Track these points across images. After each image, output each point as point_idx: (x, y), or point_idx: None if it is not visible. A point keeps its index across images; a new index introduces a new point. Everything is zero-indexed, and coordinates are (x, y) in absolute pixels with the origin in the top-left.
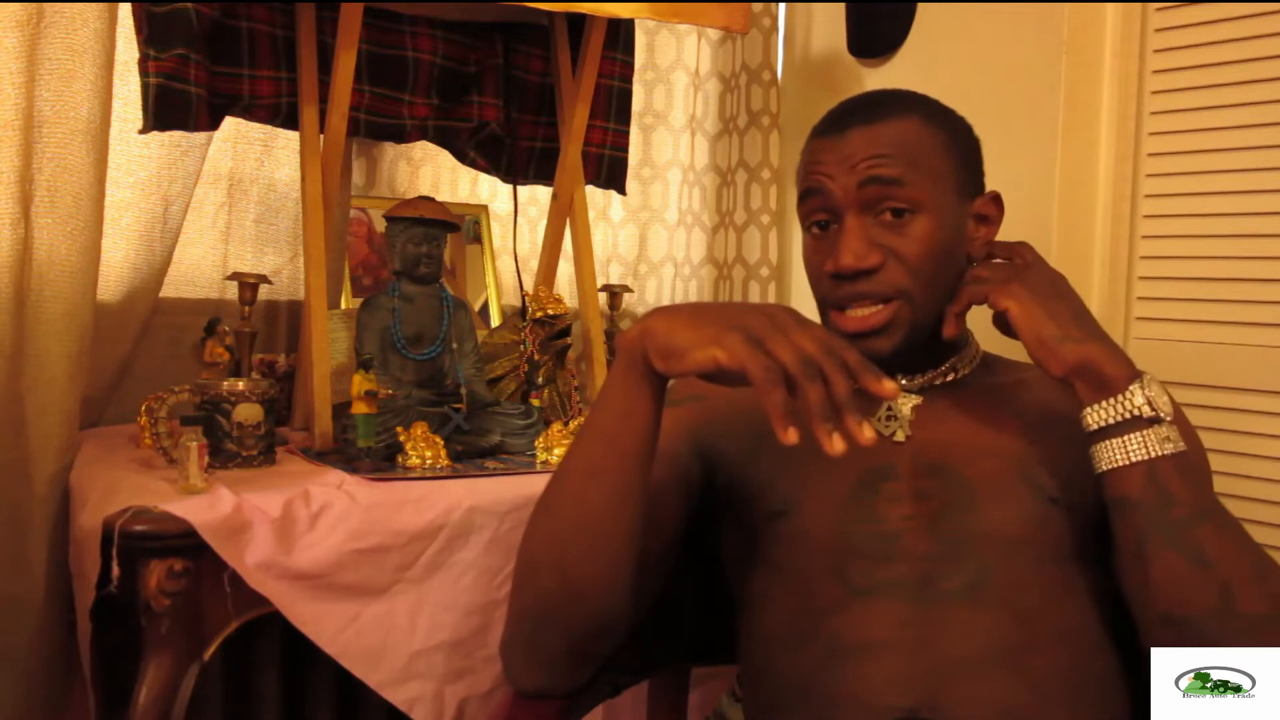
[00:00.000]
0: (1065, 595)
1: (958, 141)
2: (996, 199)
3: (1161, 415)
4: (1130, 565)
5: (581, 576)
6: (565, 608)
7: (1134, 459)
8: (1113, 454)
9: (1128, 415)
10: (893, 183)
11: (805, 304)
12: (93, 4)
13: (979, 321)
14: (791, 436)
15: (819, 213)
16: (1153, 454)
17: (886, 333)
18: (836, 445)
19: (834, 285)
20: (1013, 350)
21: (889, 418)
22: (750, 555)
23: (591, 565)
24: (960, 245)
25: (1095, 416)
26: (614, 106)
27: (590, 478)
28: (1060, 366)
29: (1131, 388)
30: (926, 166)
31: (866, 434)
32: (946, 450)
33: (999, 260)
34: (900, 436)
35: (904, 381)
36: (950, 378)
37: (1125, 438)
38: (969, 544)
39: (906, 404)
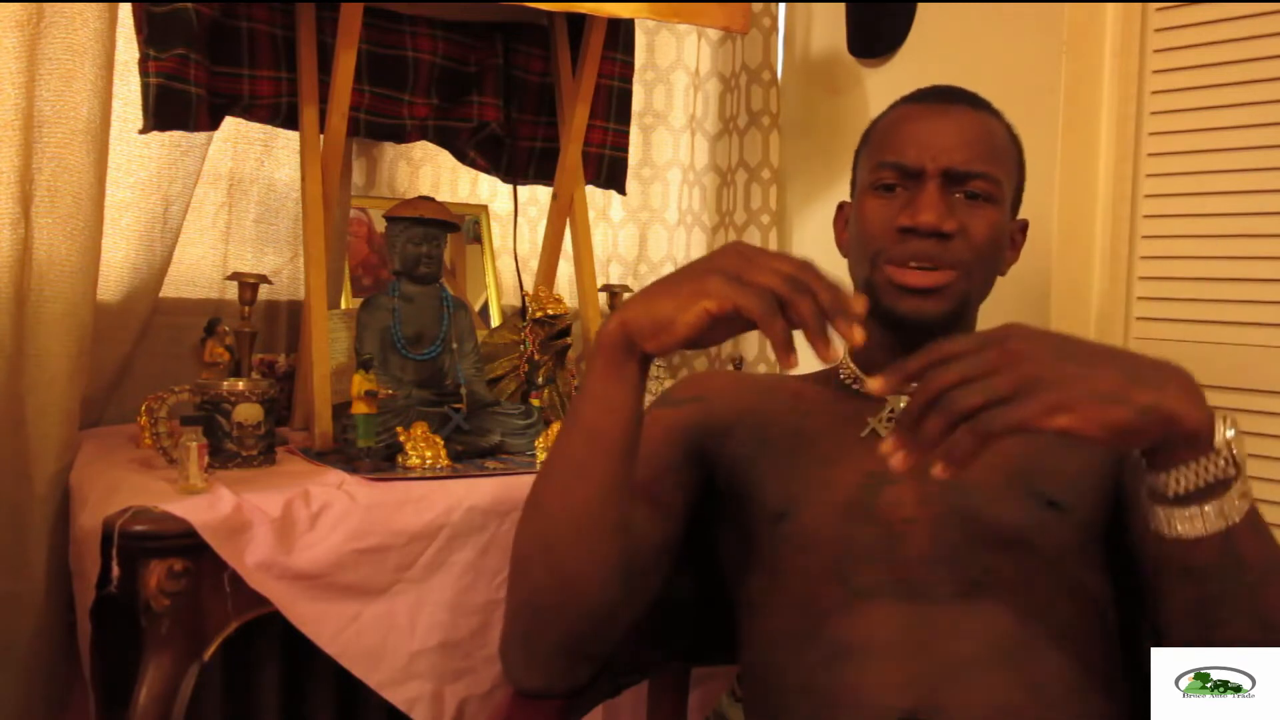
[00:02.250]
0: (1065, 597)
1: (1021, 163)
2: (1024, 227)
3: (1241, 466)
4: (1187, 625)
5: (572, 571)
6: (558, 603)
7: (1211, 529)
8: (1186, 524)
9: (1212, 480)
10: (982, 175)
11: None
12: (93, 4)
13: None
14: (794, 361)
15: (894, 173)
16: (1231, 520)
17: (941, 295)
18: (835, 351)
19: (901, 239)
20: None
21: (891, 419)
22: (751, 557)
23: (581, 560)
24: (1003, 254)
25: (1175, 484)
26: (614, 106)
27: (575, 474)
28: (1143, 441)
29: (1216, 443)
30: (1005, 169)
31: (858, 335)
32: None
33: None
34: None
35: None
36: None
37: (1203, 506)
38: (969, 547)
39: None
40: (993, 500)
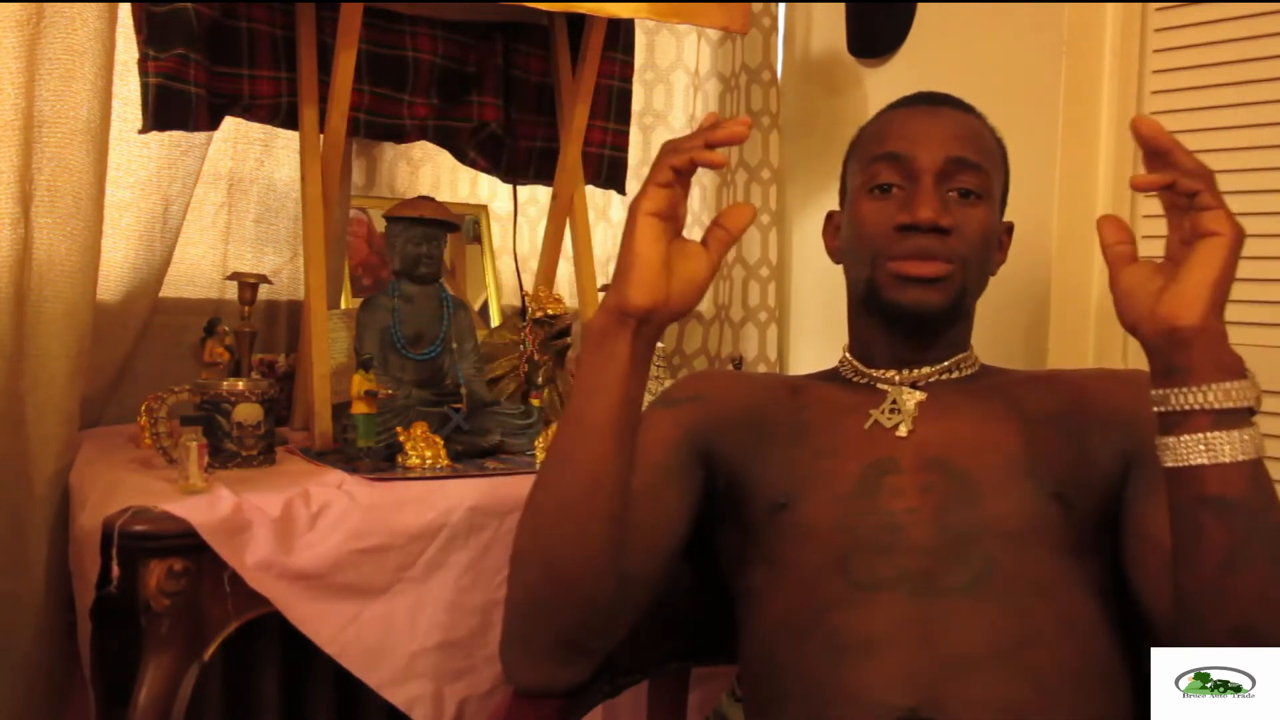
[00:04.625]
0: (1067, 589)
1: (1007, 167)
2: (1010, 229)
3: (1257, 411)
4: (1208, 572)
5: (564, 566)
6: (552, 599)
7: (1242, 456)
8: (1221, 447)
9: (1245, 404)
10: (975, 167)
11: (806, 305)
12: (93, 4)
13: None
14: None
15: (890, 174)
16: (1259, 453)
17: (943, 286)
18: (733, 131)
19: (899, 238)
20: (996, 351)
21: (893, 411)
22: (751, 550)
23: (572, 553)
24: (994, 253)
25: (1219, 396)
26: (614, 106)
27: (562, 463)
28: (1201, 320)
29: (1250, 376)
30: (993, 167)
31: (738, 127)
32: (949, 445)
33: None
34: (903, 431)
35: (909, 373)
36: (954, 375)
37: (1240, 431)
38: (972, 537)
39: (910, 399)
40: (995, 491)
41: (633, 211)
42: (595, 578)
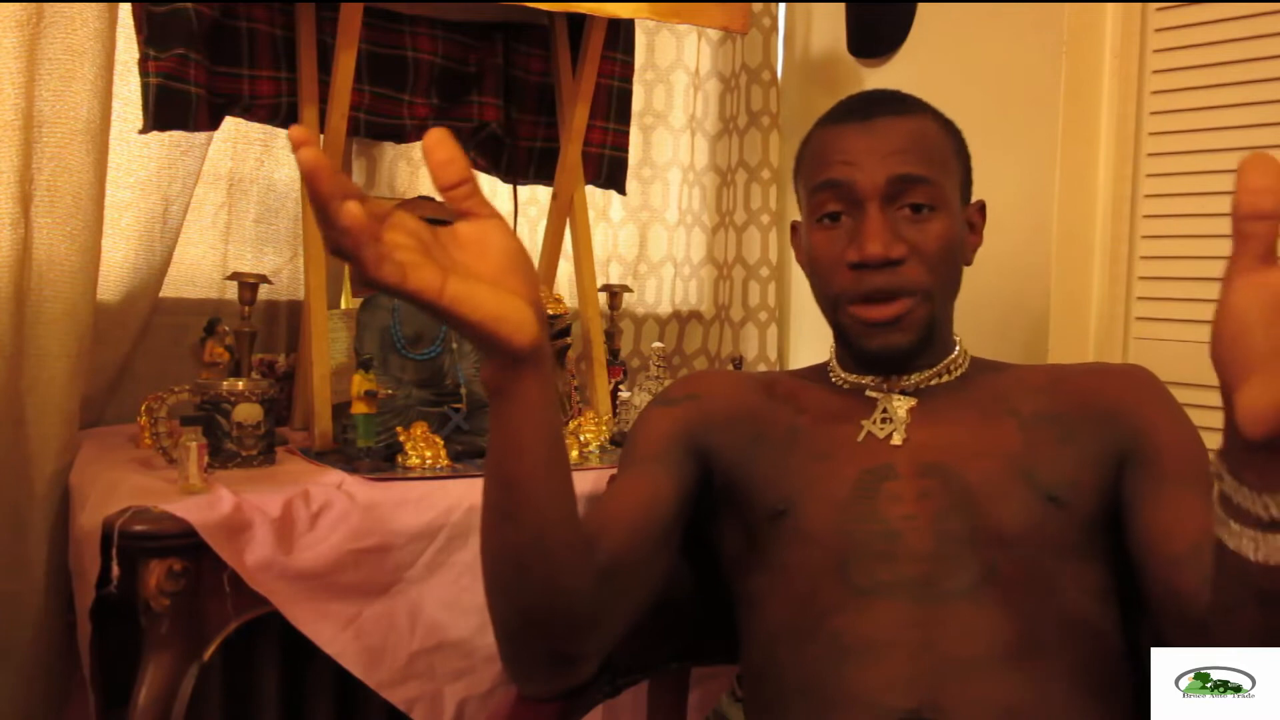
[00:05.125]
0: (1067, 592)
1: (962, 147)
2: (982, 208)
3: None
4: (1243, 635)
5: (535, 607)
6: (532, 631)
7: None
8: (1275, 553)
9: None
10: (919, 180)
11: (806, 305)
12: (93, 4)
13: (970, 323)
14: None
15: (834, 203)
16: None
17: (904, 326)
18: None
19: (856, 278)
20: (997, 352)
21: (885, 420)
22: (750, 554)
23: (536, 594)
24: (962, 248)
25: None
26: (614, 106)
27: (506, 521)
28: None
29: None
30: (944, 166)
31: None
32: (944, 450)
33: None
34: (897, 439)
35: (898, 380)
36: (944, 379)
37: None
38: (971, 543)
39: (902, 406)
40: (992, 495)
41: (410, 296)
42: (568, 606)
